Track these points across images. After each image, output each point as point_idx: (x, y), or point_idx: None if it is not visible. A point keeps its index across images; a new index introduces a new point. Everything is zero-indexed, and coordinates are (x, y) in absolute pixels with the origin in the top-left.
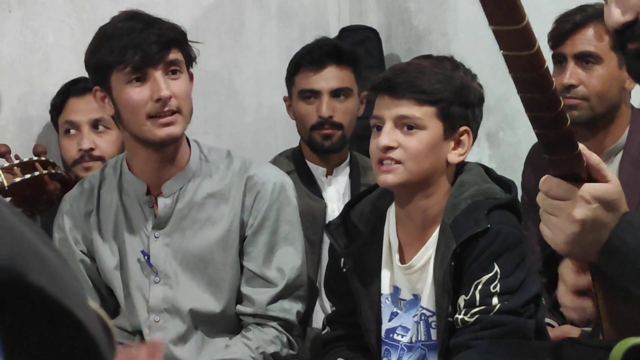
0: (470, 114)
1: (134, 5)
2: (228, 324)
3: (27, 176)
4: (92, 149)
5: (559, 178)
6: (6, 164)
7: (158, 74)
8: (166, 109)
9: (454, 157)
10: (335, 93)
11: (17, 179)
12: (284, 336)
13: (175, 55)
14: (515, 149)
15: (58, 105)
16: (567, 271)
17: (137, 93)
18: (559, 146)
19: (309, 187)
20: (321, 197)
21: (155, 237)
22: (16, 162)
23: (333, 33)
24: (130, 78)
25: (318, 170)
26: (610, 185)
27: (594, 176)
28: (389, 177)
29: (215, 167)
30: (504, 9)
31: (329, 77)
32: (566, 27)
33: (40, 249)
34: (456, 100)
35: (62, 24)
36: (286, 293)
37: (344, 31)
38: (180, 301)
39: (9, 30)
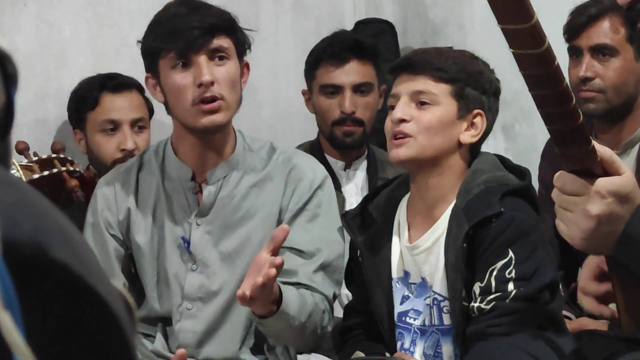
0: (485, 100)
1: None
2: None
3: (46, 173)
4: (134, 149)
5: (572, 173)
6: (24, 161)
7: (202, 60)
8: (208, 94)
9: (466, 137)
10: (357, 88)
11: (36, 176)
12: (324, 301)
13: (220, 41)
14: (532, 141)
15: (91, 99)
16: (585, 272)
17: (181, 78)
18: (572, 142)
19: None
20: (340, 191)
21: (197, 225)
22: (34, 159)
23: (348, 26)
24: (175, 64)
25: (337, 164)
26: (624, 178)
27: (607, 170)
28: (400, 151)
29: (260, 158)
30: (512, 8)
31: (351, 72)
32: (582, 19)
33: (64, 226)
34: (472, 83)
35: (77, 17)
36: (325, 270)
37: (360, 24)
38: (216, 290)
39: (24, 24)
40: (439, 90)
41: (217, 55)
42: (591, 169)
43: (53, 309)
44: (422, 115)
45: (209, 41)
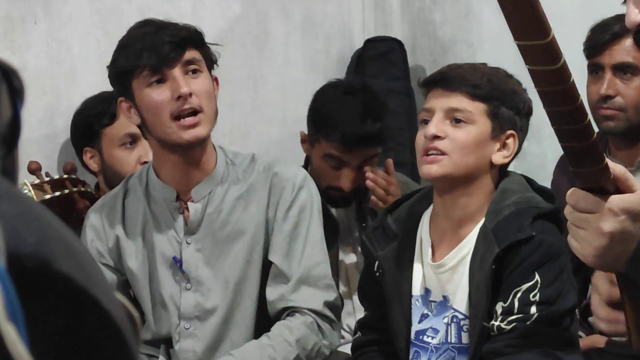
0: (518, 121)
1: (160, 16)
2: (260, 327)
3: (57, 193)
4: None
5: (585, 191)
6: (36, 181)
7: (177, 73)
8: (187, 106)
9: (498, 158)
10: (362, 165)
11: (47, 196)
12: (313, 323)
13: (192, 54)
14: (541, 160)
15: (109, 115)
16: (602, 282)
17: (158, 94)
18: (586, 159)
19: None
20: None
21: (187, 243)
22: (46, 179)
23: (358, 44)
24: (150, 81)
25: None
26: (637, 196)
27: (620, 187)
28: (433, 168)
29: (242, 170)
30: (529, 24)
31: (359, 155)
32: (605, 37)
33: (68, 238)
34: (507, 102)
35: (87, 36)
36: (305, 283)
37: (369, 42)
38: (212, 308)
39: (35, 41)
40: (474, 109)
41: (190, 68)
42: (604, 187)
43: (57, 320)
44: (457, 134)
45: (181, 54)
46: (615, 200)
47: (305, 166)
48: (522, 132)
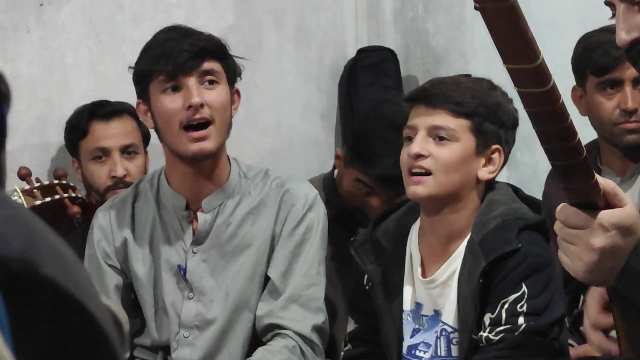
0: (502, 134)
1: (154, 25)
2: (258, 340)
3: (48, 199)
4: (125, 176)
5: (575, 206)
6: (27, 187)
7: (191, 82)
8: (197, 116)
9: (484, 173)
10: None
11: (38, 202)
12: (296, 347)
13: (210, 65)
14: (534, 170)
15: (81, 128)
16: (592, 307)
17: (171, 101)
18: (576, 176)
19: (340, 218)
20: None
21: (194, 253)
22: (37, 185)
23: (350, 54)
24: (165, 87)
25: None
26: (627, 210)
27: (610, 202)
28: (419, 189)
29: (254, 184)
30: (518, 48)
31: (390, 191)
32: (619, 52)
33: (54, 242)
34: (490, 117)
35: (80, 45)
36: (296, 302)
37: (362, 52)
38: (212, 318)
39: (27, 50)
40: (458, 126)
41: (207, 78)
42: (594, 202)
43: (42, 324)
44: (441, 152)
45: (199, 64)
46: (605, 215)
47: (331, 176)
48: (507, 145)
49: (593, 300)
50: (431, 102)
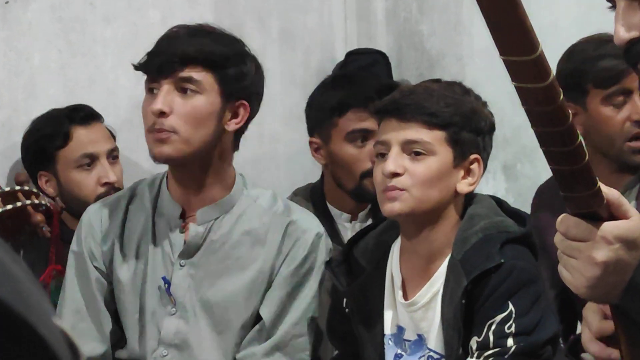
0: (480, 142)
1: (127, 26)
2: None
3: (9, 207)
4: (115, 182)
5: (577, 217)
6: None
7: (165, 87)
8: (157, 126)
9: (463, 186)
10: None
11: None
12: None
13: (192, 73)
14: (535, 181)
15: (60, 136)
16: (593, 315)
17: (147, 102)
18: (577, 183)
19: (329, 233)
20: (341, 245)
21: (180, 266)
22: None
23: (339, 57)
24: (148, 86)
25: (341, 217)
26: (632, 222)
27: (614, 213)
28: (395, 206)
29: (257, 205)
30: (515, 38)
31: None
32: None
33: (3, 259)
34: (467, 125)
35: (48, 45)
36: (281, 351)
37: (351, 54)
38: (192, 339)
39: None
40: (433, 138)
41: (184, 86)
42: (597, 212)
43: None
44: (417, 168)
45: (176, 69)
46: (609, 227)
47: (320, 186)
48: (485, 152)
49: (592, 311)
50: (403, 115)
